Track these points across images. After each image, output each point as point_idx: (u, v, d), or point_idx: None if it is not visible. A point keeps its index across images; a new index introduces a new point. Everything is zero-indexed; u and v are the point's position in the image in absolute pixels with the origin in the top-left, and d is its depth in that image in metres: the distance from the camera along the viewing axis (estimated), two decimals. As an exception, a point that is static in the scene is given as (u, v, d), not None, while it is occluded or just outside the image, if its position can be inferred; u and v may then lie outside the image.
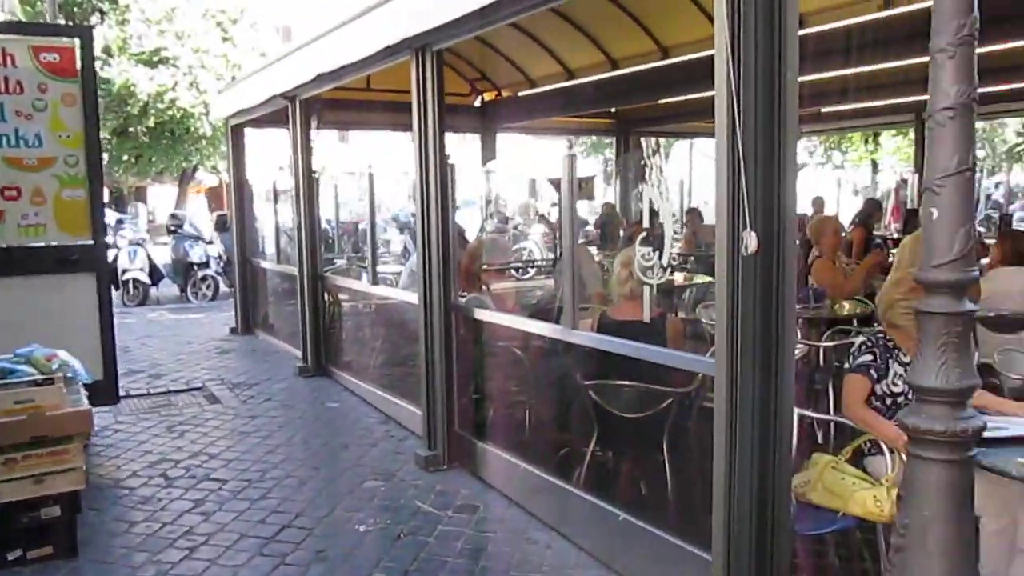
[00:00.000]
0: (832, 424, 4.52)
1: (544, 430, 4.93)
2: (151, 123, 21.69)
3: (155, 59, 21.55)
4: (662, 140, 13.77)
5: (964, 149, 2.43)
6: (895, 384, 3.54)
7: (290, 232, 8.64)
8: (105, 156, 20.65)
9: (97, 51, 15.97)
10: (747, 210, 2.61)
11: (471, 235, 8.42)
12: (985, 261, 6.15)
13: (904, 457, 2.60)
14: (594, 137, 24.02)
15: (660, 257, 3.27)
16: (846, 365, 3.66)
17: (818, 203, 11.92)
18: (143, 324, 11.38)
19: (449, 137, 5.35)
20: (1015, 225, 12.78)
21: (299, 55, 6.57)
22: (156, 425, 6.40)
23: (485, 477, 5.04)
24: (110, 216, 16.54)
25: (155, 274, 13.47)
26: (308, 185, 7.81)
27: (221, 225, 13.84)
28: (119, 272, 12.71)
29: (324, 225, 9.97)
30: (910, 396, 3.09)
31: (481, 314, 5.16)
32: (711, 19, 2.72)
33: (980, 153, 24.51)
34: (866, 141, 20.49)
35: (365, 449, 5.76)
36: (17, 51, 5.44)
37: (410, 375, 6.03)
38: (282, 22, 28.22)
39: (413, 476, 5.24)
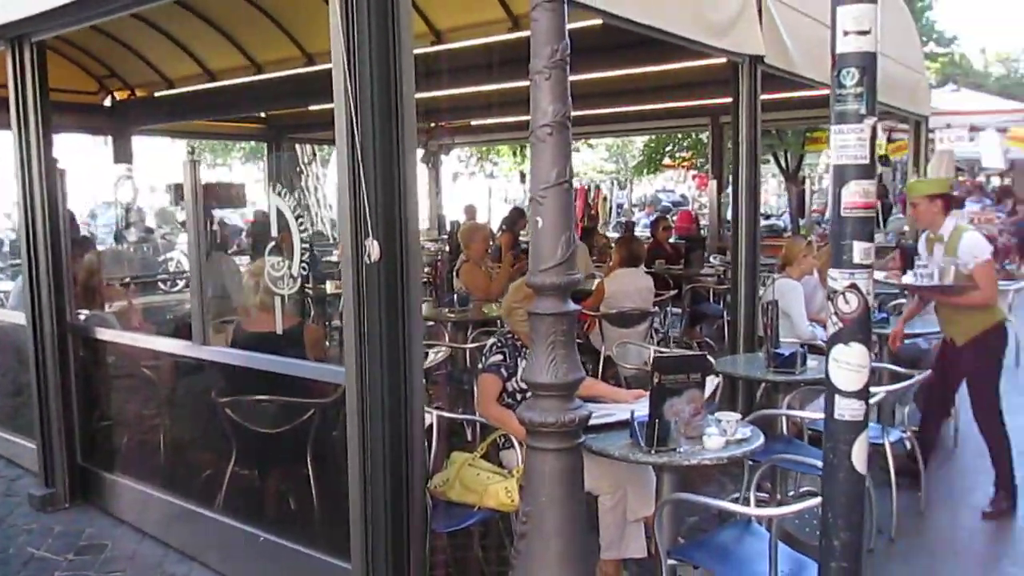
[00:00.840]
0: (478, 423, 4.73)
1: (180, 454, 4.62)
2: None
3: None
4: (323, 147, 13.64)
5: (562, 162, 2.66)
6: (523, 381, 3.80)
7: None
8: None
9: None
10: (369, 219, 2.64)
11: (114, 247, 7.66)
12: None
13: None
14: (255, 143, 23.22)
15: (291, 267, 3.21)
16: (479, 366, 3.86)
17: (470, 210, 12.57)
18: None
19: (77, 139, 4.81)
20: (637, 231, 14.36)
21: None
22: None
23: (116, 512, 4.60)
24: None
25: None
26: None
27: None
28: None
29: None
30: (531, 392, 3.31)
31: (103, 334, 4.71)
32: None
33: (612, 166, 27.47)
34: (514, 153, 22.04)
35: (-35, 496, 5.00)
36: None
37: (25, 406, 5.34)
38: None
39: (26, 519, 4.63)
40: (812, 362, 4.43)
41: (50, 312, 4.68)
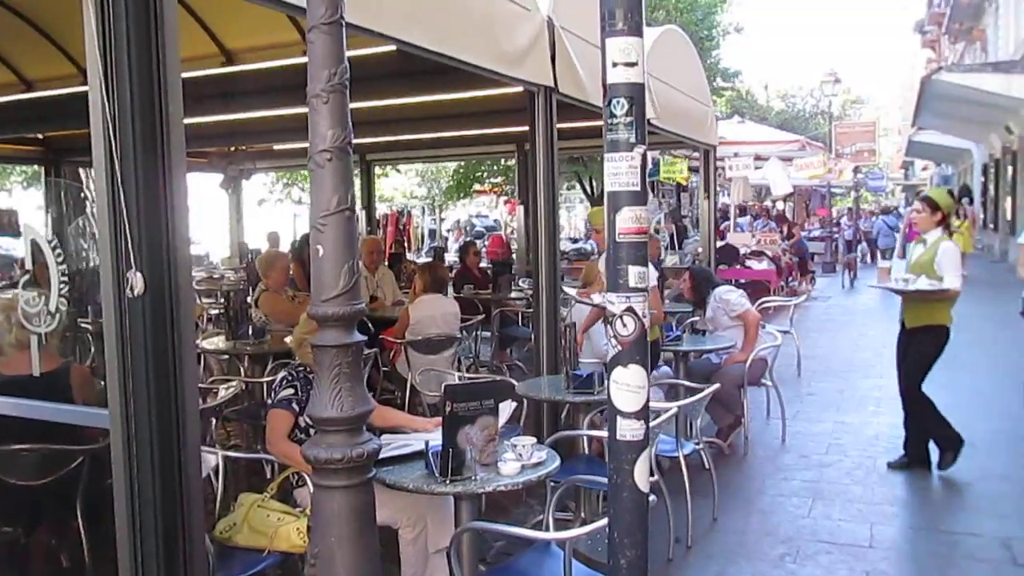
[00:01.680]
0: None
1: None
2: None
3: None
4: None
5: (343, 189, 2.58)
6: (307, 417, 3.66)
7: None
8: None
9: None
10: (131, 250, 2.44)
11: None
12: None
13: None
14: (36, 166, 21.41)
15: (47, 302, 2.92)
16: (269, 401, 3.68)
17: (273, 238, 12.15)
18: None
19: None
20: (449, 257, 14.44)
21: None
22: None
23: None
24: None
25: None
26: None
27: None
28: None
29: None
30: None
31: None
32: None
33: (423, 191, 27.53)
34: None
35: None
36: None
37: None
38: None
39: None
40: (609, 381, 4.55)
41: None
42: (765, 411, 7.00)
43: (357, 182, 14.25)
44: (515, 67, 4.92)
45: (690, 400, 4.70)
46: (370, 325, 6.66)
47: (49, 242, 2.94)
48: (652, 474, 4.13)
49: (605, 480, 3.60)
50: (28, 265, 3.01)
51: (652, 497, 3.21)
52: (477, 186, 20.16)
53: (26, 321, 3.02)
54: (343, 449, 2.58)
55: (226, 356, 5.94)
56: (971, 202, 25.15)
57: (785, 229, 18.59)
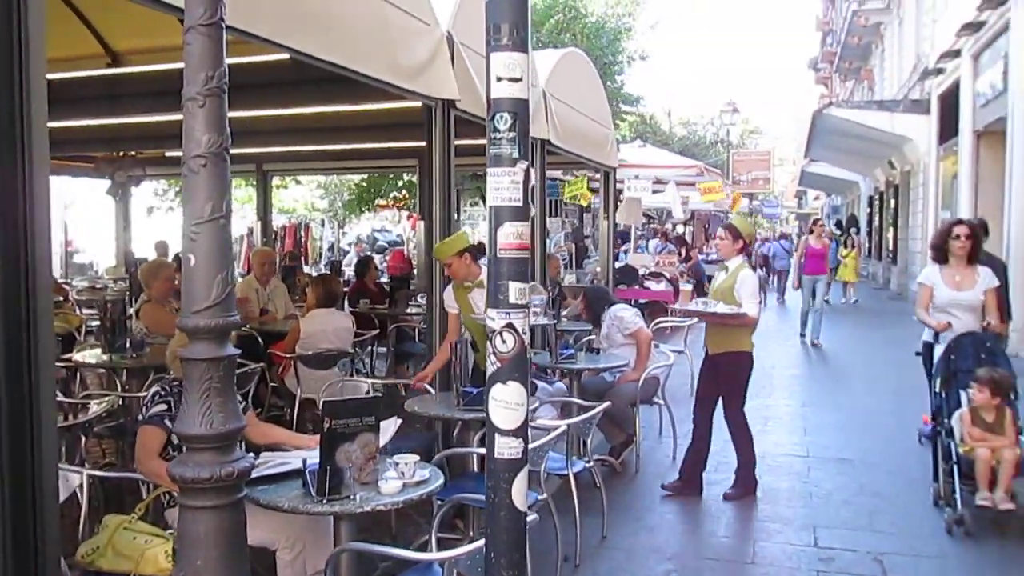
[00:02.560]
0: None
1: None
2: None
3: None
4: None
5: (218, 196, 2.48)
6: (175, 434, 3.51)
7: None
8: None
9: None
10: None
11: None
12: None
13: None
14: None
15: None
16: (140, 417, 3.51)
17: (161, 247, 11.71)
18: None
19: None
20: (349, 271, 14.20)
21: None
22: None
23: None
24: None
25: None
26: None
27: None
28: None
29: None
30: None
31: None
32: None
33: (322, 203, 27.08)
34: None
35: None
36: None
37: None
38: None
39: None
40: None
41: None
42: (657, 430, 7.11)
43: (254, 192, 13.98)
44: (413, 81, 4.89)
45: (580, 418, 4.72)
46: (259, 339, 6.49)
47: None
48: (541, 492, 4.15)
49: (490, 498, 3.61)
50: None
51: (533, 516, 3.20)
52: (380, 200, 19.98)
53: None
54: (212, 467, 2.47)
55: (103, 370, 5.66)
56: (858, 232, 26.37)
57: (684, 251, 19.08)
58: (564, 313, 8.96)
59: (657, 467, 6.40)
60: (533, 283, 6.33)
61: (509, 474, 2.35)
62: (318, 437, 3.67)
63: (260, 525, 3.09)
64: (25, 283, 2.41)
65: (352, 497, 2.95)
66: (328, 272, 11.90)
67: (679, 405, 7.05)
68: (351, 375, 6.39)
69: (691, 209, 23.94)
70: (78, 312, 8.14)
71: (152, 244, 11.86)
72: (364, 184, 20.07)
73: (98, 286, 10.11)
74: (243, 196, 20.72)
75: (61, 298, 8.71)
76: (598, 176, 11.46)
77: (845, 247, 20.26)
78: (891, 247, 24.63)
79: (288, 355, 5.98)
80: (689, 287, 8.62)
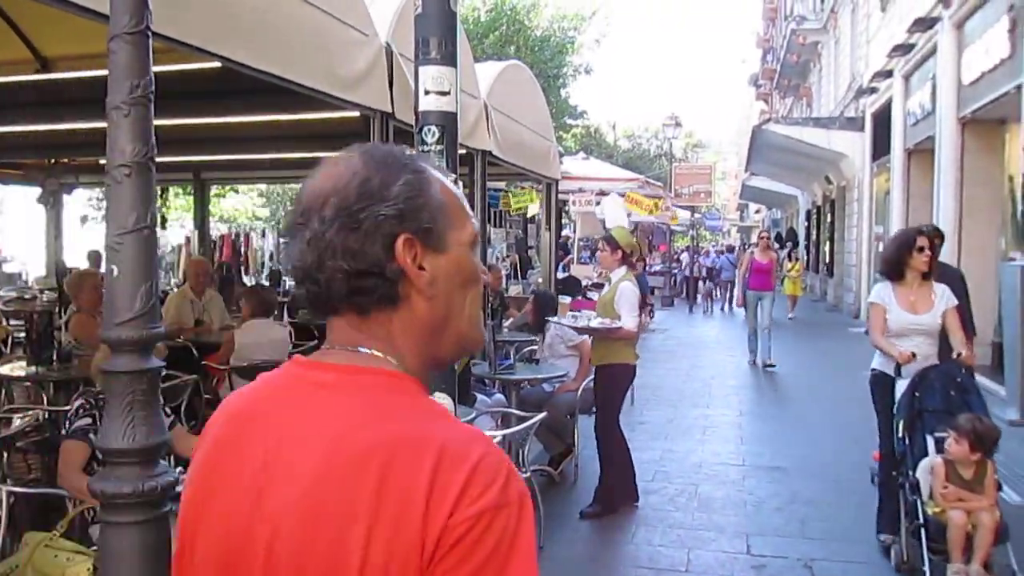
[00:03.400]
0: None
1: None
2: None
3: None
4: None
5: (143, 206, 2.45)
6: (98, 450, 3.44)
7: None
8: None
9: None
10: None
11: None
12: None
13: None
14: None
15: None
16: (63, 431, 3.43)
17: (93, 257, 11.38)
18: None
19: None
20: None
21: None
22: None
23: None
24: None
25: None
26: None
27: None
28: None
29: None
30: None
31: None
32: None
33: (264, 212, 26.77)
34: (161, 193, 20.58)
35: None
36: None
37: None
38: None
39: None
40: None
41: None
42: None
43: (191, 201, 13.73)
44: (350, 91, 4.87)
45: (517, 428, 4.74)
46: (194, 350, 6.38)
47: None
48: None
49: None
50: None
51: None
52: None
53: None
54: (134, 482, 2.42)
55: (28, 383, 5.50)
56: (796, 245, 26.97)
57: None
58: (507, 324, 8.99)
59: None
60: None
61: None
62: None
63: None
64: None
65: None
66: (266, 282, 11.75)
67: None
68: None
69: (634, 221, 24.21)
70: (4, 323, 7.91)
71: (85, 254, 11.56)
72: (306, 193, 19.82)
73: (27, 296, 9.82)
74: (182, 205, 20.39)
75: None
76: (540, 187, 11.52)
77: (790, 260, 20.74)
78: (828, 260, 25.25)
79: (223, 367, 5.88)
80: (567, 300, 8.69)
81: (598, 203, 16.03)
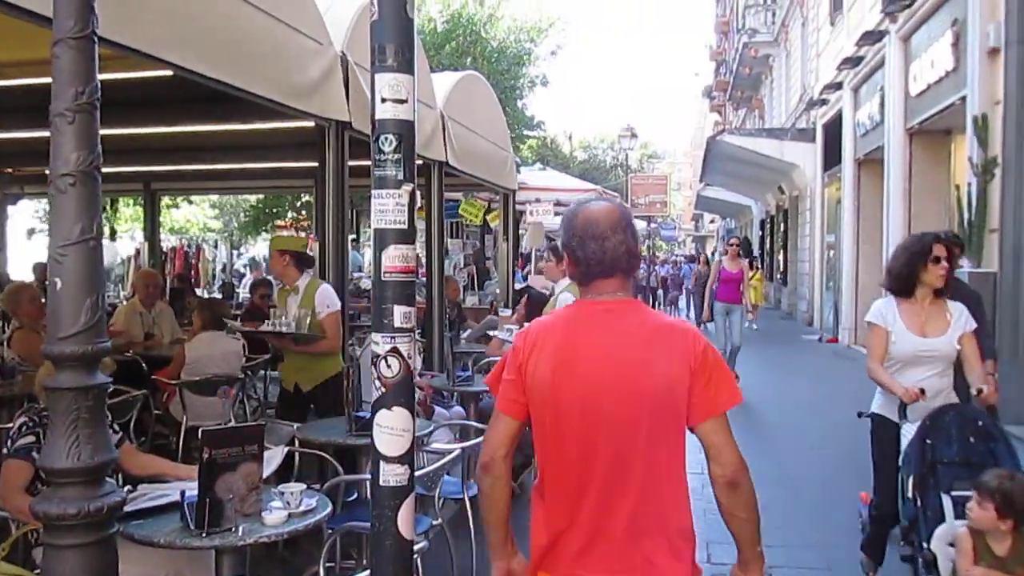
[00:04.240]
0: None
1: None
2: None
3: None
4: None
5: (88, 217, 2.38)
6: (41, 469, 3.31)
7: None
8: None
9: None
10: None
11: None
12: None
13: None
14: None
15: None
16: (5, 450, 3.30)
17: (39, 269, 11.05)
18: None
19: None
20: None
21: None
22: None
23: None
24: None
25: None
26: None
27: None
28: None
29: None
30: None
31: None
32: None
33: (217, 223, 26.34)
34: (103, 208, 19.99)
35: None
36: None
37: None
38: None
39: None
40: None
41: None
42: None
43: (141, 212, 13.47)
44: (304, 100, 4.81)
45: (476, 441, 4.67)
46: (143, 364, 6.22)
47: None
48: (435, 518, 4.09)
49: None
50: None
51: (422, 544, 3.15)
52: (279, 221, 19.57)
53: None
54: (79, 503, 2.34)
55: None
56: (750, 254, 27.33)
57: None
58: (464, 336, 8.94)
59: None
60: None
61: (395, 502, 2.30)
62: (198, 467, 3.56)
63: (135, 561, 2.93)
64: None
65: (234, 529, 2.83)
66: (218, 295, 11.52)
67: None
68: (242, 400, 6.19)
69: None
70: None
71: (31, 267, 11.24)
72: (260, 205, 19.65)
73: (-32, 311, 9.52)
74: (132, 215, 19.97)
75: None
76: (498, 198, 11.52)
77: (751, 269, 20.96)
78: (781, 269, 25.61)
79: (173, 381, 5.74)
80: (507, 313, 8.66)
81: (557, 214, 16.05)
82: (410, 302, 2.30)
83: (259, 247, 28.64)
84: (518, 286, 11.58)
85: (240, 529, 2.83)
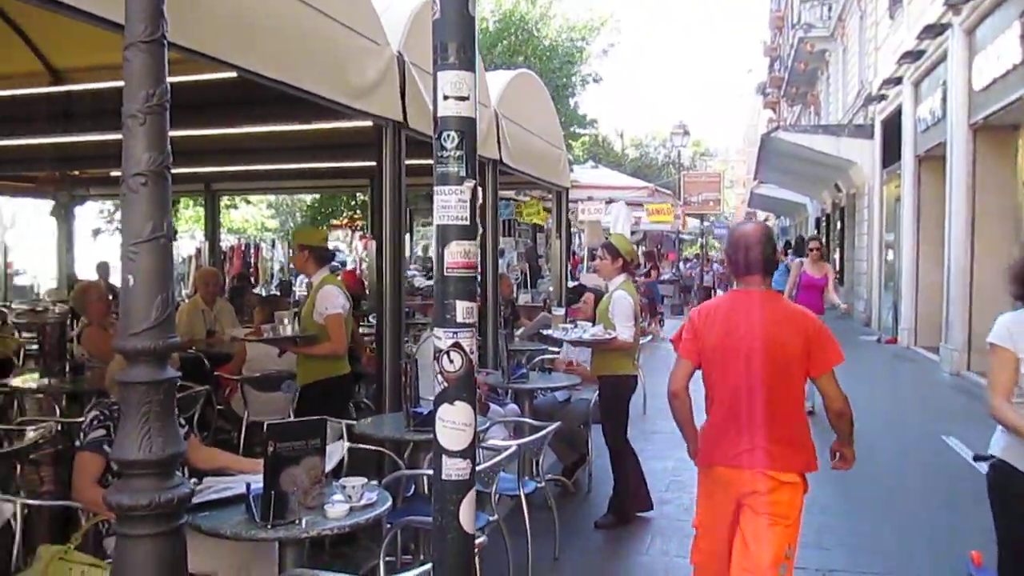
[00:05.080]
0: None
1: None
2: None
3: None
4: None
5: (159, 216, 2.44)
6: (113, 461, 3.41)
7: None
8: None
9: None
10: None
11: None
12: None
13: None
14: None
15: None
16: (78, 443, 3.41)
17: (102, 268, 11.38)
18: None
19: None
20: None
21: None
22: None
23: None
24: None
25: None
26: None
27: None
28: None
29: None
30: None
31: None
32: None
33: (274, 223, 26.75)
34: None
35: None
36: None
37: None
38: None
39: None
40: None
41: None
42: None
43: (202, 212, 13.73)
44: (362, 100, 4.86)
45: (531, 438, 4.69)
46: (206, 361, 6.36)
47: None
48: (492, 514, 4.10)
49: (440, 521, 3.56)
50: None
51: (482, 538, 3.16)
52: (334, 220, 19.86)
53: None
54: (150, 494, 2.41)
55: (42, 395, 5.48)
56: (803, 253, 26.81)
57: (649, 266, 19.34)
58: (518, 333, 8.95)
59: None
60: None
61: (456, 496, 2.32)
62: (263, 461, 3.62)
63: (201, 552, 3.00)
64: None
65: (297, 522, 2.88)
66: (276, 292, 11.70)
67: (632, 424, 7.07)
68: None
69: (643, 230, 24.19)
70: (16, 336, 7.91)
71: (95, 266, 11.58)
72: (316, 204, 19.94)
73: (39, 309, 9.82)
74: (192, 216, 20.38)
75: (-1, 321, 8.48)
76: (550, 196, 11.52)
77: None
78: (838, 268, 25.13)
79: (234, 377, 5.86)
80: (560, 312, 8.54)
81: (608, 212, 16.02)
82: (472, 297, 2.32)
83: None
84: (571, 284, 11.57)
85: (304, 522, 2.88)
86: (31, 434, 4.14)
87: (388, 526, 3.69)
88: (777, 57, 40.36)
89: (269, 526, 2.84)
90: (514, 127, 7.56)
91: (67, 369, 5.35)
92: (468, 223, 2.30)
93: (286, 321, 5.26)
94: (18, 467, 4.09)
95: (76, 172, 10.79)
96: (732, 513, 3.26)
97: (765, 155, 21.90)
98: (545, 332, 6.61)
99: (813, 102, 31.70)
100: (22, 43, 5.43)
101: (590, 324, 6.03)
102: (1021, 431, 3.02)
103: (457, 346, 2.29)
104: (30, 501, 3.27)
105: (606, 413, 5.63)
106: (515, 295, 11.05)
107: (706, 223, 29.23)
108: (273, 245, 17.49)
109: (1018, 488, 3.11)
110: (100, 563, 3.09)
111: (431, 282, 18.79)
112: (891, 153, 16.93)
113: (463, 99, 2.30)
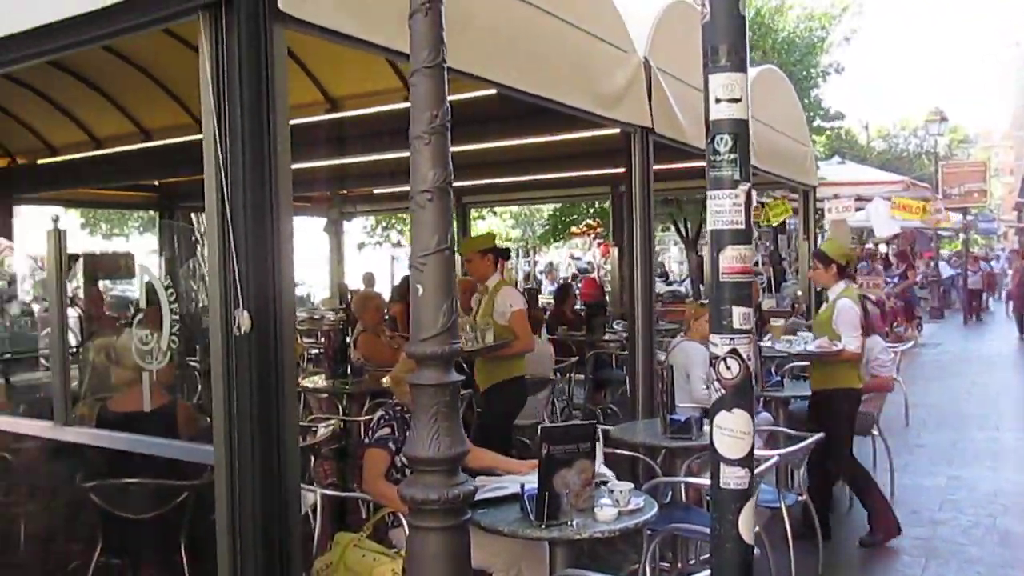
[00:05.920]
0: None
1: (43, 544, 4.25)
2: None
3: None
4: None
5: (443, 229, 2.60)
6: (404, 456, 3.66)
7: None
8: None
9: None
10: (239, 288, 2.51)
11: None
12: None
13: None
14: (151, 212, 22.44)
15: (160, 340, 3.03)
16: (365, 440, 3.70)
17: (368, 278, 12.35)
18: None
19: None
20: (542, 299, 14.34)
21: None
22: None
23: (-29, 610, 4.20)
24: None
25: None
26: None
27: None
28: None
29: None
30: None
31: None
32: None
33: (516, 233, 27.66)
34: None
35: None
36: None
37: None
38: None
39: None
40: (708, 427, 4.41)
41: None
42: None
43: (454, 224, 14.42)
44: (612, 108, 4.92)
45: (793, 448, 4.50)
46: (465, 366, 6.68)
47: (163, 283, 3.06)
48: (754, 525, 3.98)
49: (705, 529, 3.51)
50: (143, 305, 3.13)
51: (756, 550, 3.08)
52: (574, 228, 20.21)
53: (139, 359, 3.12)
54: (440, 490, 2.56)
55: (325, 395, 6.03)
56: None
57: (903, 267, 18.05)
58: (767, 337, 8.63)
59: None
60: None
61: (736, 505, 2.28)
62: (528, 462, 3.75)
63: (479, 548, 3.15)
64: (273, 314, 2.61)
65: (569, 523, 2.96)
66: (528, 301, 12.06)
67: (894, 436, 6.60)
68: (552, 401, 6.46)
69: (900, 227, 22.47)
70: (299, 340, 8.76)
71: (361, 276, 12.61)
72: (556, 213, 20.37)
73: (316, 316, 10.83)
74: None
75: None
76: (794, 196, 11.02)
77: None
78: None
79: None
80: (780, 323, 7.93)
81: (859, 209, 15.04)
82: (747, 303, 2.27)
83: (552, 254, 29.69)
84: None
85: (575, 523, 2.96)
86: (322, 430, 4.55)
87: (649, 532, 3.69)
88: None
89: (543, 526, 2.93)
90: (760, 125, 7.33)
91: (348, 371, 5.86)
92: (743, 227, 2.26)
93: (468, 328, 5.33)
94: (311, 461, 4.51)
95: (344, 191, 11.80)
96: None
97: (1041, 139, 19.60)
98: (764, 346, 6.29)
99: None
100: (306, 77, 6.02)
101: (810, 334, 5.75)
102: None
103: (734, 352, 2.26)
104: (329, 491, 3.59)
105: (826, 430, 4.93)
106: (761, 299, 10.68)
107: (969, 217, 26.65)
108: (516, 255, 18.08)
109: None
110: (388, 552, 3.34)
111: (670, 287, 18.51)
112: None
113: (735, 101, 2.26)
